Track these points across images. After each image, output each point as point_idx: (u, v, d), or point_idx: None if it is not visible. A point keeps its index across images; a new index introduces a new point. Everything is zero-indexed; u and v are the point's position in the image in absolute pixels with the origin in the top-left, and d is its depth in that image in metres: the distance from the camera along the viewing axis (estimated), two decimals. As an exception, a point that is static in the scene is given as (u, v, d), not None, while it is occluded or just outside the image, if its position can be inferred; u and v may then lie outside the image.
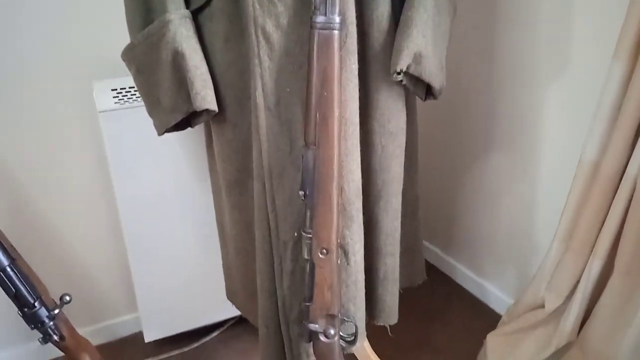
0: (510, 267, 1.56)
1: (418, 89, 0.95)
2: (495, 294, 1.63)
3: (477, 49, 1.47)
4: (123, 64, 0.97)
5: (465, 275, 1.75)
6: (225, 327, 1.59)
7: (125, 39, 0.92)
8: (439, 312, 1.65)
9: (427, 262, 1.32)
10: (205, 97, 0.87)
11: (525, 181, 1.40)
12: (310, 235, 0.87)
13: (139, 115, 1.16)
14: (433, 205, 1.80)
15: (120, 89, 1.17)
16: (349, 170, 0.91)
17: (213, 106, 0.89)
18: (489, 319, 1.54)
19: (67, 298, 1.06)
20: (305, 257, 0.89)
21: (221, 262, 1.25)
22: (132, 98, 1.17)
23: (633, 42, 0.95)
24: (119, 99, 1.17)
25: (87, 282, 1.47)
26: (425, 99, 0.99)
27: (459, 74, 1.54)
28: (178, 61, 0.86)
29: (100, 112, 1.15)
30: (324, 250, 0.88)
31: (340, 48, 0.80)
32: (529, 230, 1.44)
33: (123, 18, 0.92)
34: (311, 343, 0.96)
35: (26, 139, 1.27)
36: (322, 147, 0.82)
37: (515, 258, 1.53)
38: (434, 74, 0.91)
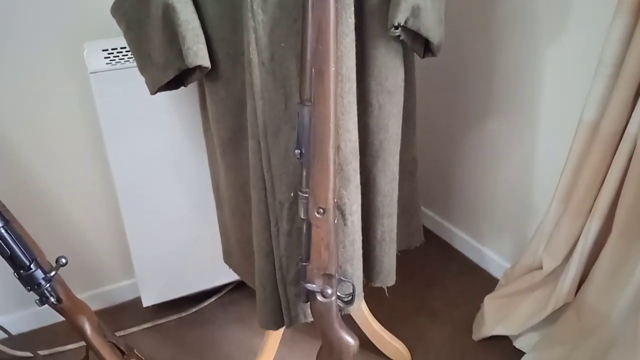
0: (508, 231, 1.56)
1: (416, 44, 0.93)
2: (493, 258, 1.63)
3: (475, 6, 1.44)
4: (114, 24, 0.94)
5: (463, 241, 1.75)
6: (223, 292, 1.59)
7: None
8: (437, 277, 1.66)
9: (425, 227, 1.32)
10: (198, 53, 0.84)
11: (524, 144, 1.39)
12: (307, 195, 0.86)
13: (131, 76, 1.14)
14: (431, 170, 1.79)
15: (112, 49, 1.14)
16: (345, 129, 0.89)
17: (206, 62, 0.86)
18: (487, 283, 1.54)
19: (63, 260, 1.05)
20: (302, 216, 0.88)
21: (217, 226, 1.24)
22: (123, 59, 1.15)
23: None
24: (111, 60, 1.14)
25: (84, 248, 1.46)
26: (423, 56, 0.96)
27: (458, 33, 1.51)
28: (169, 15, 0.83)
29: (91, 73, 1.12)
30: (321, 210, 0.87)
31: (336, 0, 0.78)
32: (528, 195, 1.43)
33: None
34: (308, 303, 0.96)
35: (17, 102, 1.25)
36: (318, 103, 0.80)
37: (514, 222, 1.52)
38: (432, 28, 0.88)
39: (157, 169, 1.28)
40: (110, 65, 1.13)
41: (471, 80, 1.53)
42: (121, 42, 1.13)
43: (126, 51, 1.15)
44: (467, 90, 1.55)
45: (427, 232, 1.83)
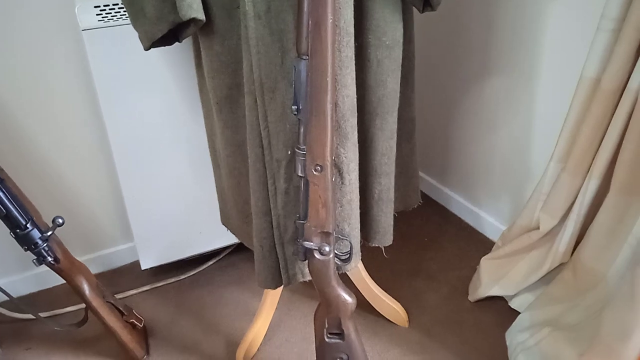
0: (505, 194, 1.56)
1: (415, -3, 0.91)
2: (490, 222, 1.63)
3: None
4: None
5: (460, 204, 1.75)
6: (222, 255, 1.60)
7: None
8: (434, 240, 1.66)
9: (422, 192, 1.31)
10: (192, 5, 0.82)
11: (523, 103, 1.37)
12: (304, 152, 0.85)
13: (124, 33, 1.12)
14: (428, 134, 1.78)
15: (104, 5, 1.11)
16: (343, 85, 0.88)
17: (200, 14, 0.84)
18: (483, 246, 1.55)
19: (60, 220, 1.05)
20: (299, 174, 0.87)
21: (215, 187, 1.24)
22: (116, 15, 1.12)
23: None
24: (103, 17, 1.11)
25: (81, 211, 1.46)
26: (422, 10, 0.94)
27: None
28: (161, -35, 0.81)
29: (83, 30, 1.10)
30: (318, 167, 0.86)
31: (334, -51, 0.75)
32: (526, 156, 1.43)
33: None
34: (306, 262, 0.96)
35: (9, 63, 1.22)
36: (315, 56, 0.79)
37: (511, 185, 1.52)
38: (432, -20, 0.86)
39: (153, 129, 1.26)
40: (102, 22, 1.11)
41: (470, 38, 1.50)
42: (113, -2, 1.10)
43: (119, 7, 1.12)
44: (466, 48, 1.53)
45: (424, 197, 1.83)
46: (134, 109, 1.22)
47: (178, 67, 1.21)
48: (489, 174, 1.59)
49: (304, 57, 0.79)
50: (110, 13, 1.12)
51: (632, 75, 0.93)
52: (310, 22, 0.77)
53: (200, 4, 0.84)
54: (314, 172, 0.86)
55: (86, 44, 1.12)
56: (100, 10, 1.11)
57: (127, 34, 1.08)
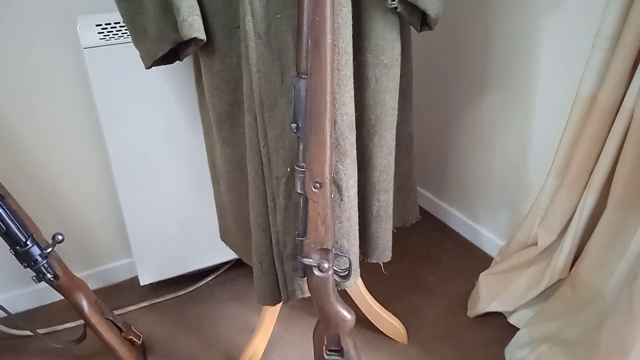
0: (503, 210, 1.56)
1: (413, 17, 0.92)
2: (488, 237, 1.64)
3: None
4: (108, -1, 0.92)
5: (458, 220, 1.75)
6: (221, 271, 1.60)
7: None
8: (432, 255, 1.67)
9: (420, 207, 1.32)
10: (193, 24, 0.83)
11: (520, 119, 1.39)
12: (303, 169, 0.86)
13: (125, 51, 1.13)
14: (427, 149, 1.79)
15: (106, 24, 1.13)
16: (342, 103, 0.89)
17: (201, 34, 0.85)
18: (482, 262, 1.55)
19: (60, 237, 1.06)
20: (299, 191, 0.88)
21: (214, 203, 1.24)
22: (117, 34, 1.13)
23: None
24: (105, 35, 1.12)
25: (80, 227, 1.46)
26: (420, 30, 0.96)
27: (454, 6, 1.49)
28: (163, -14, 0.82)
29: (85, 48, 1.11)
30: (317, 184, 0.87)
31: (333, -29, 0.77)
32: (523, 172, 1.44)
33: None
34: (305, 278, 0.96)
35: (10, 78, 1.23)
36: (315, 75, 0.80)
37: (509, 201, 1.53)
38: (429, 0, 0.88)
39: (153, 145, 1.27)
40: (104, 40, 1.12)
41: (467, 56, 1.52)
42: (115, 16, 1.11)
43: (120, 26, 1.13)
44: (463, 65, 1.54)
45: (423, 212, 1.84)
46: (134, 125, 1.23)
47: (178, 83, 1.22)
48: (487, 189, 1.60)
49: (303, 76, 0.80)
50: (112, 31, 1.13)
51: (627, 93, 0.94)
52: (309, 41, 0.79)
53: (201, 24, 0.85)
54: (313, 190, 0.87)
55: (87, 61, 1.13)
56: (102, 29, 1.12)
57: (128, 51, 1.09)
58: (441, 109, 1.69)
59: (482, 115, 1.53)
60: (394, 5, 0.85)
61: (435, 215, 1.86)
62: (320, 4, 0.77)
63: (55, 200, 1.40)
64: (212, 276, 1.58)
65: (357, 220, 1.00)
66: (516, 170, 1.45)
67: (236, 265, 1.59)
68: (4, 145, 1.29)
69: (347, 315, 0.99)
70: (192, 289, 1.54)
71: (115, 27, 1.13)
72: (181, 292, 1.53)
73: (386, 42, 0.92)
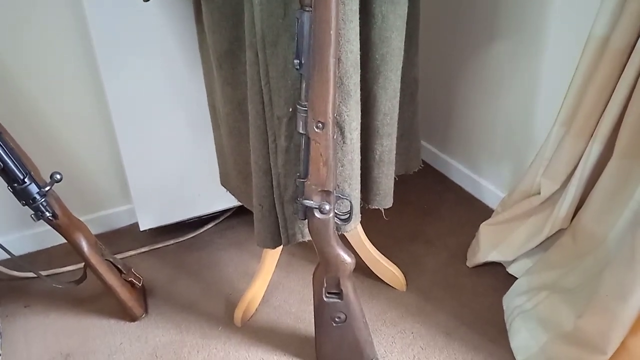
0: (507, 161, 1.55)
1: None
2: (490, 189, 1.63)
3: None
4: None
5: (460, 172, 1.74)
6: (221, 219, 1.60)
7: None
8: (433, 207, 1.66)
9: (422, 160, 1.31)
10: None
11: (529, 69, 1.35)
12: (306, 108, 0.84)
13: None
14: (431, 99, 1.76)
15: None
16: (347, 39, 0.86)
17: (201, -37, 0.82)
18: (483, 214, 1.55)
19: (58, 176, 1.04)
20: (301, 131, 0.86)
21: (214, 148, 1.23)
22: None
23: None
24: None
25: (79, 171, 1.45)
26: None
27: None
28: None
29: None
30: (320, 124, 0.85)
31: None
32: (529, 123, 1.41)
33: None
34: (306, 222, 0.96)
35: (7, 21, 1.20)
36: (319, 8, 0.77)
37: (513, 152, 1.51)
38: None
39: (152, 89, 1.24)
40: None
41: (475, 3, 1.47)
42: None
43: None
44: (472, 9, 1.49)
45: (424, 164, 1.81)
46: (132, 69, 1.20)
47: (178, 24, 1.18)
48: (491, 140, 1.57)
49: (307, 9, 0.77)
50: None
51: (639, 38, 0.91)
52: (314, -28, 0.75)
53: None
54: (316, 130, 0.85)
55: (85, 5, 1.09)
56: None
57: None
58: (447, 56, 1.65)
59: (490, 64, 1.49)
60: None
61: (437, 168, 1.85)
62: None
63: (54, 144, 1.38)
64: (212, 223, 1.58)
65: (359, 163, 0.99)
66: (523, 120, 1.43)
67: (237, 213, 1.59)
68: (3, 87, 1.26)
69: (347, 258, 0.99)
70: (192, 235, 1.54)
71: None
72: (181, 239, 1.53)
73: (394, -24, 0.88)
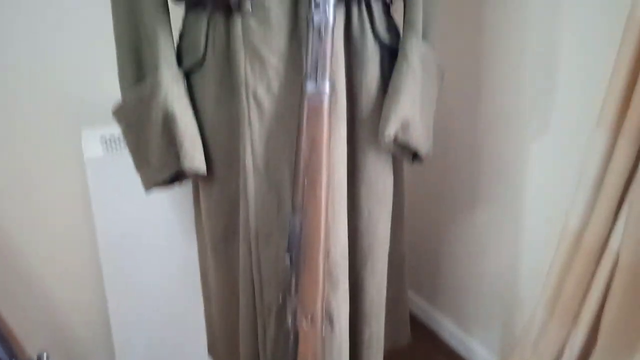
0: (496, 324, 1.54)
1: (405, 154, 0.96)
2: (481, 354, 1.60)
3: (463, 103, 1.50)
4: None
5: (451, 332, 1.72)
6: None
7: (116, 86, 0.92)
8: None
9: (412, 316, 1.29)
10: (194, 158, 0.87)
11: (509, 237, 1.40)
12: (295, 302, 0.86)
13: (125, 161, 1.15)
14: (419, 255, 1.79)
15: (110, 135, 1.16)
16: (335, 235, 0.90)
17: (202, 169, 0.88)
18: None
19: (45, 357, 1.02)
20: (289, 324, 0.87)
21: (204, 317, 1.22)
22: (120, 145, 1.15)
23: (616, 111, 0.94)
24: (108, 147, 1.15)
25: (67, 338, 1.42)
26: (412, 163, 0.99)
27: (445, 128, 1.56)
28: (168, 122, 0.86)
29: (87, 159, 1.13)
30: (309, 318, 0.86)
31: (330, 114, 0.81)
32: (514, 286, 1.43)
33: (115, 65, 0.92)
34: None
35: (8, 178, 1.25)
36: (309, 213, 0.82)
37: (501, 315, 1.51)
38: (421, 141, 0.92)
39: (147, 257, 1.26)
40: (106, 152, 1.14)
41: (457, 174, 1.56)
42: (119, 130, 1.15)
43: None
44: (454, 182, 1.58)
45: (414, 321, 1.80)
46: (128, 234, 1.22)
47: (178, 198, 1.23)
48: (479, 301, 1.58)
49: (298, 213, 0.83)
50: (115, 142, 1.15)
51: (611, 234, 0.95)
52: (305, 180, 0.82)
53: (203, 159, 0.88)
54: (304, 325, 0.86)
55: (88, 172, 1.14)
56: (106, 141, 1.15)
57: (128, 161, 1.10)
58: (432, 221, 1.71)
59: (471, 231, 1.55)
60: (387, 146, 0.89)
61: (427, 325, 1.82)
62: (317, 147, 0.81)
63: (42, 308, 1.37)
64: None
65: (347, 352, 0.98)
66: (508, 283, 1.45)
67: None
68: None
69: None
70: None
71: (119, 139, 1.15)
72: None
73: (379, 175, 0.95)
